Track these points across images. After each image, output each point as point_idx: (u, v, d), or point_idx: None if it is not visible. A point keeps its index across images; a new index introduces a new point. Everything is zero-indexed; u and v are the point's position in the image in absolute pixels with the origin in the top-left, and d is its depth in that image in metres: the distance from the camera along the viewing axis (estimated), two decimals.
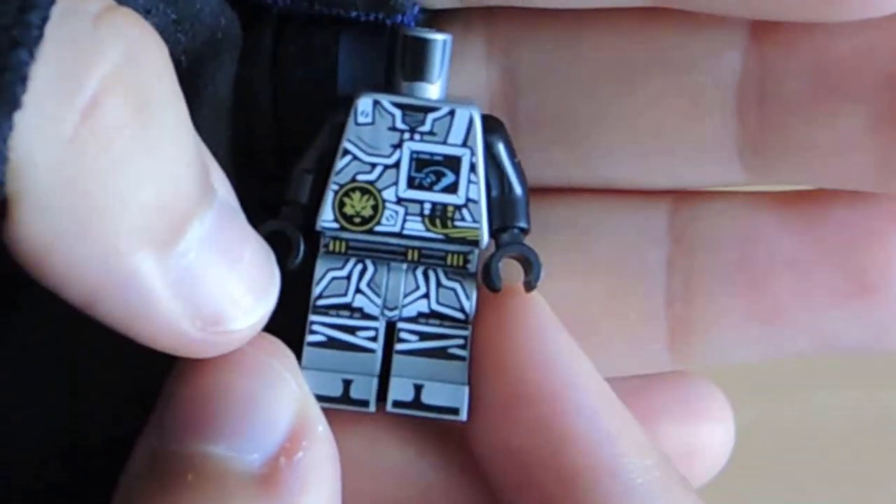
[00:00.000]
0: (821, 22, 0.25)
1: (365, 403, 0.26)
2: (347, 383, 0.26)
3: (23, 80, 0.20)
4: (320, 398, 0.25)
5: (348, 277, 0.26)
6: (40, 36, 0.20)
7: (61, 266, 0.21)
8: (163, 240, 0.22)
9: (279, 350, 0.25)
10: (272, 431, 0.23)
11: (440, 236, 0.26)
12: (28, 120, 0.20)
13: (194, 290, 0.22)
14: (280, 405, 0.24)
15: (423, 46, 0.26)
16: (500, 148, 0.26)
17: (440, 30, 0.26)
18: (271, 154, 0.28)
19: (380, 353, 0.26)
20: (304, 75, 0.27)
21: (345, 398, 0.26)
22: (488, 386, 0.26)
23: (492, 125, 0.26)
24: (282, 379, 0.24)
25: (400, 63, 0.26)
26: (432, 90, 0.26)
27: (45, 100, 0.20)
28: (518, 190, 0.27)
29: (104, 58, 0.21)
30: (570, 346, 0.26)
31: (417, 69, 0.26)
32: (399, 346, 0.26)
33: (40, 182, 0.20)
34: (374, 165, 0.26)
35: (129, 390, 0.26)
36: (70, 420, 0.26)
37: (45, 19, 0.20)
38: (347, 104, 0.26)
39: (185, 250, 0.22)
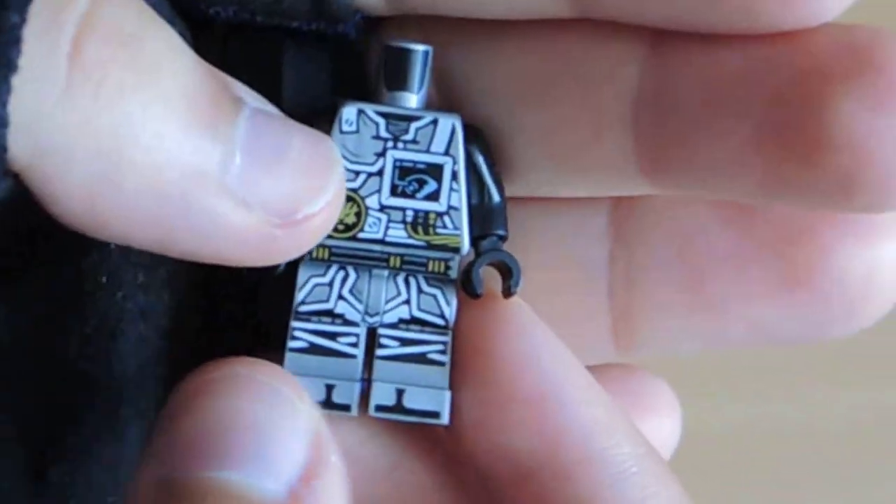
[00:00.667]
0: (742, 32, 0.25)
1: (347, 408, 0.26)
2: (330, 388, 0.26)
3: (16, 41, 0.20)
4: None
5: (330, 284, 0.27)
6: None
7: (114, 211, 0.21)
8: (201, 153, 0.22)
9: (287, 378, 0.24)
10: (288, 457, 0.23)
11: (422, 243, 0.27)
12: (23, 81, 0.20)
13: (255, 191, 0.23)
14: (294, 430, 0.23)
15: (404, 57, 0.26)
16: (481, 157, 0.27)
17: (417, 41, 0.27)
18: None
19: (361, 359, 0.27)
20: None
21: (328, 402, 0.26)
22: (476, 389, 0.26)
23: (473, 134, 0.27)
24: (293, 405, 0.24)
25: (382, 73, 0.27)
26: (413, 100, 0.27)
27: (34, 57, 0.20)
28: (497, 198, 0.27)
29: (73, 3, 0.21)
30: (554, 343, 0.27)
31: (399, 79, 0.26)
32: (380, 352, 0.27)
33: (54, 135, 0.20)
34: (357, 173, 0.26)
35: (122, 394, 0.26)
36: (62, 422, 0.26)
37: None
38: (330, 113, 0.26)
39: (227, 156, 0.22)
